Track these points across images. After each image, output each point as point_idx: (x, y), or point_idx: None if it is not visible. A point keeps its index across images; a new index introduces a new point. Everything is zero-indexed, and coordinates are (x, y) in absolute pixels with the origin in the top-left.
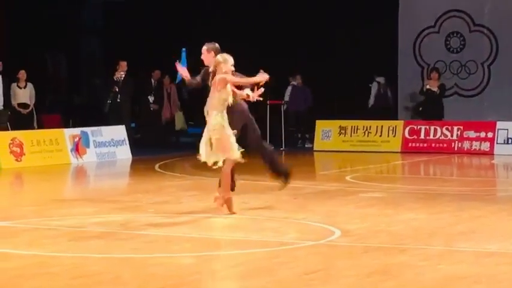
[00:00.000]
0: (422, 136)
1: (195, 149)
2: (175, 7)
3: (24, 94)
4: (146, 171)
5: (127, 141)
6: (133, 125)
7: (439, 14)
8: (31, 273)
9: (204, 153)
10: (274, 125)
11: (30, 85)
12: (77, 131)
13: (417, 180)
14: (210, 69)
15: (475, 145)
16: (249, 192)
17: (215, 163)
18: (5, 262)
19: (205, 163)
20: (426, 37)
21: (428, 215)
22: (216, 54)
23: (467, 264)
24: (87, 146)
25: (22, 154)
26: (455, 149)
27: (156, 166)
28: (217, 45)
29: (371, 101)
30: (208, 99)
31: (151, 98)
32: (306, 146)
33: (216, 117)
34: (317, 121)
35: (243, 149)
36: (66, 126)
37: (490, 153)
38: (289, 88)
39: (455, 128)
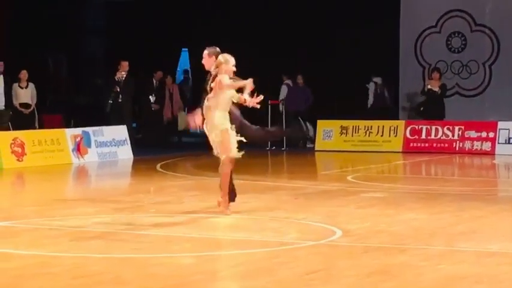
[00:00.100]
0: (423, 136)
1: (197, 148)
2: (175, 7)
3: (26, 94)
4: (148, 171)
5: (128, 141)
6: (134, 124)
7: (441, 13)
8: (32, 273)
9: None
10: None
11: (31, 85)
12: (78, 131)
13: (418, 180)
14: (212, 71)
15: (476, 145)
16: (249, 192)
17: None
18: (6, 262)
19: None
20: (427, 37)
21: (429, 215)
22: (217, 59)
23: (468, 265)
24: (89, 146)
25: (23, 154)
26: (457, 149)
27: (158, 166)
28: (218, 49)
29: (370, 101)
30: (210, 98)
31: (152, 98)
32: (307, 146)
33: (219, 118)
34: (318, 121)
35: (243, 152)
36: (68, 126)
37: (491, 153)
38: (284, 87)
39: (457, 128)
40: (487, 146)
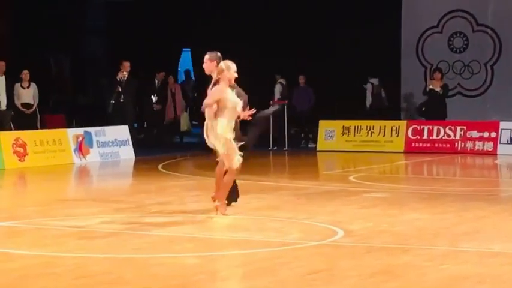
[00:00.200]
0: (425, 136)
1: (199, 149)
2: (175, 7)
3: (28, 94)
4: (149, 172)
5: (130, 142)
6: (136, 125)
7: (442, 14)
8: (34, 273)
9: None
10: (277, 125)
11: (33, 85)
12: (80, 131)
13: (420, 180)
14: (214, 78)
15: (478, 145)
16: (251, 192)
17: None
18: (9, 262)
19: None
20: (429, 37)
21: (432, 215)
22: (218, 64)
23: (471, 265)
24: (91, 146)
25: (25, 154)
26: (459, 149)
27: (159, 166)
28: (219, 54)
29: (368, 102)
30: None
31: (154, 98)
32: (309, 146)
33: (221, 127)
34: (320, 121)
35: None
36: (70, 126)
37: (493, 153)
38: (278, 86)
39: (459, 128)
40: (489, 146)
